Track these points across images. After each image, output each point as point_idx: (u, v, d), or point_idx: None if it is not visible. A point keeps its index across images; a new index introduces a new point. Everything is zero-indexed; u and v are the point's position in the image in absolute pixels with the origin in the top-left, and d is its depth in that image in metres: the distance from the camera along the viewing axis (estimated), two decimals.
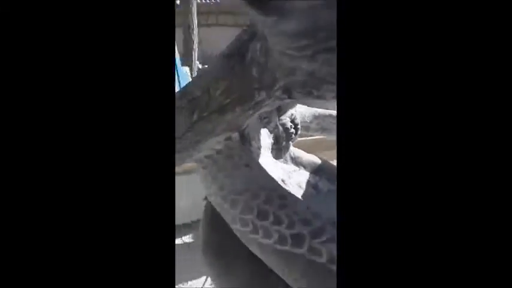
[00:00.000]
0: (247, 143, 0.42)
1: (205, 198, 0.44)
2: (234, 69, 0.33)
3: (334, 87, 0.33)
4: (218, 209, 0.37)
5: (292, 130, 0.56)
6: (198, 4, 3.12)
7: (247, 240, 0.35)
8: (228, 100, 0.34)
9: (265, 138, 0.52)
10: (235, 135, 0.41)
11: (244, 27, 0.35)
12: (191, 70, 2.50)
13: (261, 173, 0.37)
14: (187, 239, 1.31)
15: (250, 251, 0.37)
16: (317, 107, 0.69)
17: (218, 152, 0.41)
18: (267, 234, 0.32)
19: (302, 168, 0.60)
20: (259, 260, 0.36)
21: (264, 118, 0.50)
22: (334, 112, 0.70)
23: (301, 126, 0.61)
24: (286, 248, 0.31)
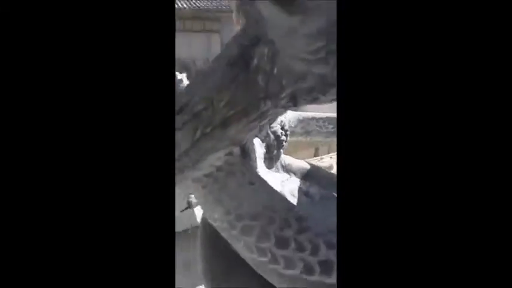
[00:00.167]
0: (247, 156, 0.39)
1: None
2: (239, 78, 0.30)
3: None
4: (224, 235, 0.34)
5: (283, 137, 0.54)
6: None
7: (265, 270, 0.31)
8: (231, 112, 0.31)
9: (258, 148, 0.49)
10: (236, 149, 0.38)
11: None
12: None
13: (269, 192, 0.34)
14: None
15: (259, 275, 0.34)
16: (300, 110, 0.68)
17: (218, 169, 0.37)
18: (290, 264, 0.29)
19: (293, 175, 0.59)
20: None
21: None
22: (316, 114, 0.70)
23: None
24: (315, 277, 0.28)
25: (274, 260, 0.30)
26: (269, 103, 0.30)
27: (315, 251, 0.29)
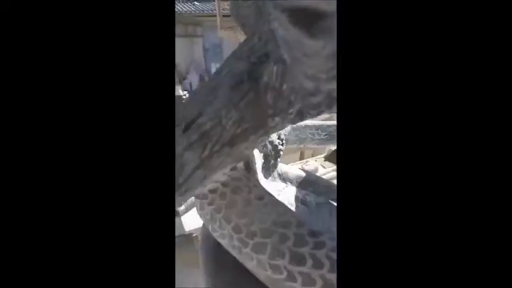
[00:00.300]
0: (251, 170, 0.39)
1: None
2: (248, 97, 0.30)
3: None
4: (233, 252, 0.33)
5: (280, 147, 0.55)
6: None
7: None
8: (240, 130, 0.31)
9: (257, 158, 0.50)
10: (240, 163, 0.38)
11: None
12: None
13: (278, 206, 0.34)
14: None
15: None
16: None
17: (223, 184, 0.37)
18: (309, 281, 0.29)
19: (289, 184, 0.59)
20: None
21: None
22: (309, 122, 0.71)
23: None
24: None
25: (291, 277, 0.29)
26: (277, 119, 0.31)
27: (334, 267, 0.29)
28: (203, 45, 5.30)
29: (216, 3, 3.57)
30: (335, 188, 0.62)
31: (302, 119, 0.32)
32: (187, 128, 0.32)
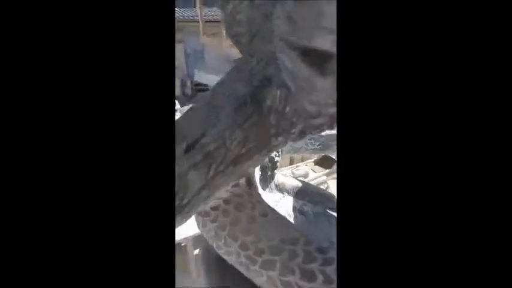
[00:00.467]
0: (252, 185, 0.39)
1: None
2: (252, 118, 0.31)
3: None
4: (241, 269, 0.34)
5: (277, 158, 0.56)
6: None
7: None
8: (244, 150, 0.32)
9: (256, 171, 0.50)
10: (242, 180, 0.38)
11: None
12: None
13: (283, 223, 0.35)
14: None
15: None
16: None
17: (226, 201, 0.37)
18: None
19: (286, 194, 0.60)
20: None
21: None
22: None
23: None
24: None
25: None
26: (280, 138, 0.32)
27: None
28: (184, 51, 5.27)
29: (197, 9, 3.56)
30: (329, 196, 0.63)
31: (304, 138, 0.33)
32: (189, 148, 0.32)
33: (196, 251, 0.96)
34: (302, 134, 0.33)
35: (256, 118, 0.31)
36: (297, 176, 1.24)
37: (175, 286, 0.28)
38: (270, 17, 0.37)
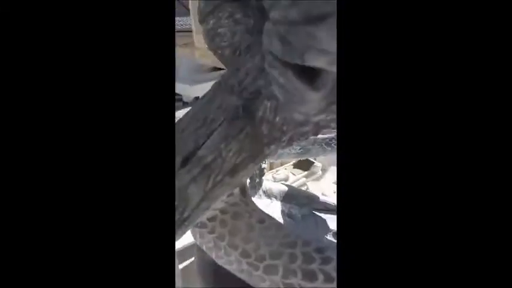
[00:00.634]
0: (246, 194, 0.41)
1: None
2: (246, 129, 0.32)
3: (329, 130, 0.36)
4: (242, 276, 0.35)
5: (264, 165, 0.57)
6: None
7: None
8: (239, 160, 0.33)
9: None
10: (236, 189, 0.39)
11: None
12: None
13: (280, 227, 0.36)
14: None
15: None
16: None
17: (222, 211, 0.38)
18: None
19: (274, 199, 0.62)
20: None
21: None
22: None
23: None
24: None
25: None
26: (272, 147, 0.33)
27: None
28: None
29: None
30: (314, 198, 0.66)
31: (292, 145, 0.35)
32: (185, 161, 0.33)
33: (182, 266, 0.95)
34: (290, 141, 0.35)
35: (250, 129, 0.32)
36: (278, 180, 1.26)
37: None
38: (253, 31, 0.39)
